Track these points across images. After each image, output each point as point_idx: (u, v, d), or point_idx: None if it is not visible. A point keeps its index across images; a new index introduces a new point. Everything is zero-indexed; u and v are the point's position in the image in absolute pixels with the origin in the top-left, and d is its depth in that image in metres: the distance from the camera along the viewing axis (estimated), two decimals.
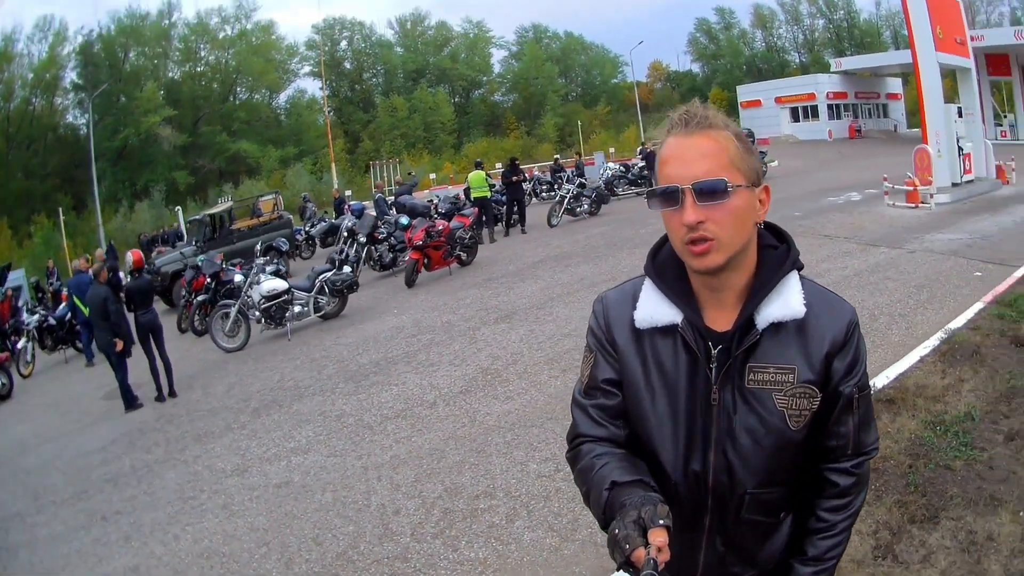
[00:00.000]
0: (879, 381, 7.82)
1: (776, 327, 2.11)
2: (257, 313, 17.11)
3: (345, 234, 22.94)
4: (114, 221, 59.35)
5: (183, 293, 21.84)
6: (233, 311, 17.04)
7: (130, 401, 14.54)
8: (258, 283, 17.20)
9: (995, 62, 47.15)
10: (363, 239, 21.83)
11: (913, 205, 20.63)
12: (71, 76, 73.26)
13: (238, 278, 17.92)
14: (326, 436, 10.35)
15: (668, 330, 2.15)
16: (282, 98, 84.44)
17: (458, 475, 7.99)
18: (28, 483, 12.09)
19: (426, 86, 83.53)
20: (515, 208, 26.22)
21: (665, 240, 2.23)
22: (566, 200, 26.58)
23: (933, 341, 8.60)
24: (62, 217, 49.07)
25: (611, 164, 37.46)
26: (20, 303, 29.16)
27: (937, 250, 14.75)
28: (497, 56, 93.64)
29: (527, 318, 13.79)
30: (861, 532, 5.22)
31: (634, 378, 2.19)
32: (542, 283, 16.59)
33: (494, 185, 26.77)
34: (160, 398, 14.58)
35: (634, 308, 2.20)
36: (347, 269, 18.04)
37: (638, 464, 2.14)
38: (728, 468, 2.17)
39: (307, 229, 32.41)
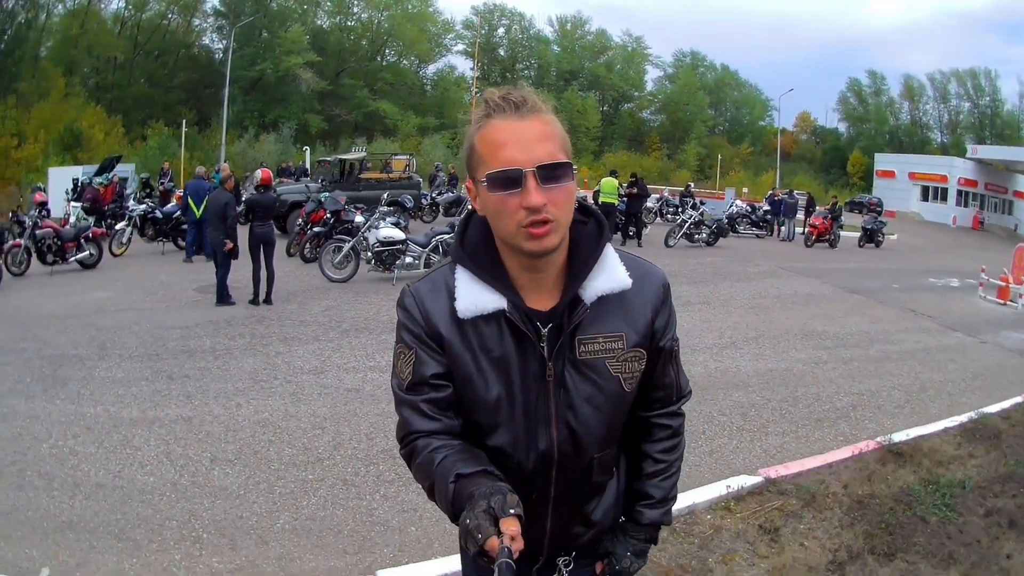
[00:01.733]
0: (897, 436, 8.24)
1: (600, 299, 2.20)
2: (369, 254, 18.08)
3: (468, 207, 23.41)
4: (237, 145, 60.81)
5: (299, 222, 22.79)
6: (346, 247, 18.18)
7: (224, 297, 15.39)
8: (377, 228, 18.30)
9: None
10: None
11: (1002, 301, 20.60)
12: (213, 2, 75.56)
13: (358, 219, 19.37)
14: None
15: (493, 316, 2.19)
16: (431, 70, 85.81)
17: None
18: (97, 336, 12.77)
19: (577, 89, 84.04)
20: (632, 220, 26.71)
21: (466, 227, 2.31)
22: (686, 225, 27.23)
23: (963, 418, 8.95)
24: (184, 128, 50.42)
25: (739, 202, 37.78)
26: (128, 191, 30.59)
27: (1008, 347, 14.79)
28: (652, 74, 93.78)
29: None
30: (824, 546, 5.80)
31: (465, 368, 2.22)
32: None
33: (623, 196, 27.18)
34: (255, 302, 15.40)
35: (451, 298, 2.21)
36: None
37: (478, 454, 2.15)
38: (573, 439, 2.27)
39: (434, 195, 33.26)
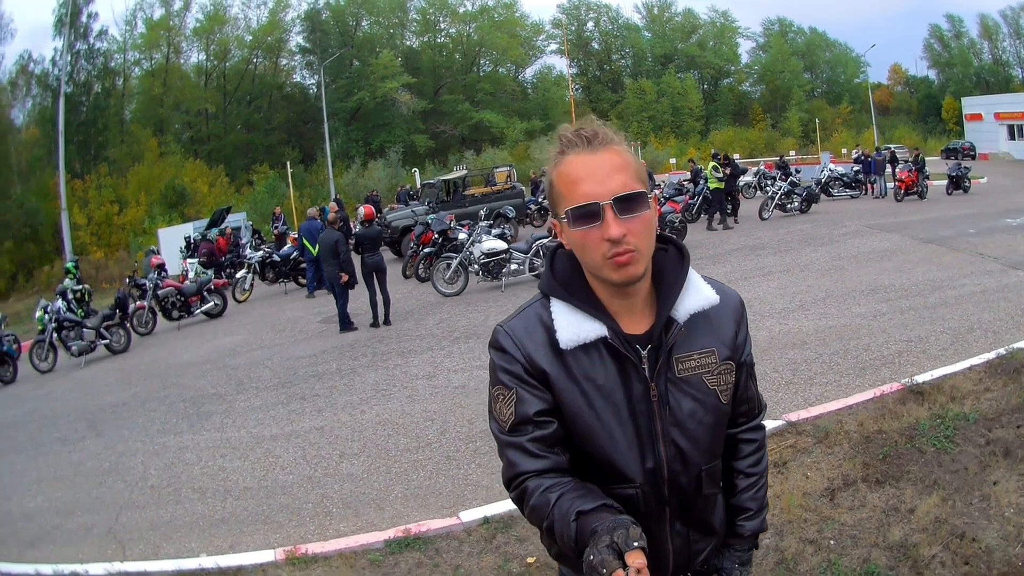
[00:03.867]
0: (921, 377, 8.58)
1: (691, 317, 2.39)
2: (476, 267, 19.79)
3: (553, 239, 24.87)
4: (345, 176, 63.41)
5: (411, 245, 24.69)
6: (454, 262, 19.88)
7: (346, 324, 17.33)
8: (480, 241, 20.04)
9: None
10: None
11: None
12: (296, 39, 78.88)
13: (462, 236, 21.13)
14: None
15: (593, 344, 2.30)
16: (529, 73, 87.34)
17: None
18: (233, 375, 14.71)
19: (675, 71, 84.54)
20: (728, 199, 27.66)
21: (553, 260, 2.46)
22: (777, 196, 28.03)
23: (991, 355, 9.05)
24: (290, 168, 52.95)
25: (831, 166, 38.03)
26: (243, 240, 33.33)
27: None
28: (744, 46, 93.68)
29: None
30: (825, 475, 6.48)
31: (573, 400, 2.30)
32: (727, 268, 18.07)
33: (721, 177, 28.10)
34: (375, 324, 17.28)
35: (548, 332, 2.32)
36: None
37: (593, 489, 2.22)
38: (680, 456, 2.40)
39: (541, 200, 34.63)
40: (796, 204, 28.23)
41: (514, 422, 2.28)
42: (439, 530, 6.56)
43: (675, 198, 25.87)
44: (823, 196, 32.14)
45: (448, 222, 23.44)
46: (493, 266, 19.72)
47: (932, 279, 14.43)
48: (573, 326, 2.28)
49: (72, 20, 60.97)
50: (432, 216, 24.86)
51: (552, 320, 2.31)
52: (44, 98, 56.52)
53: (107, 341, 19.84)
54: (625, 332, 2.31)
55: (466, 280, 19.86)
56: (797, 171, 34.48)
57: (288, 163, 55.13)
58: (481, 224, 21.51)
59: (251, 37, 76.26)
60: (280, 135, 73.75)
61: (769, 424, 7.15)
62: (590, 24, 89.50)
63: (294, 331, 18.38)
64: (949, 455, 6.34)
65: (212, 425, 11.52)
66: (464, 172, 36.31)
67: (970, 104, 75.01)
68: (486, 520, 6.61)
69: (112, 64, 68.45)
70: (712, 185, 26.90)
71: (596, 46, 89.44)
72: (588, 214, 2.16)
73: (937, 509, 5.54)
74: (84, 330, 19.64)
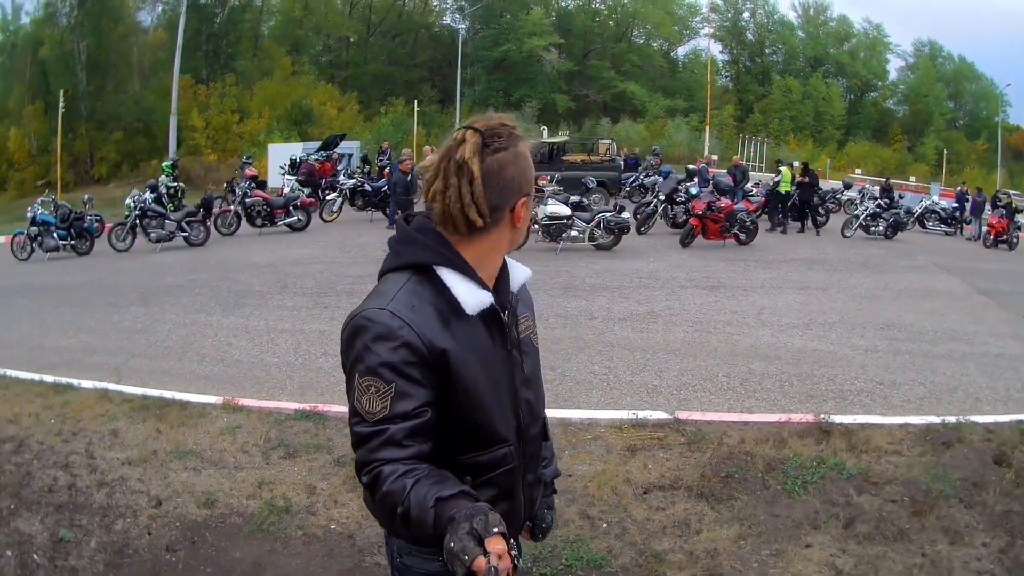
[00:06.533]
0: (840, 418, 7.98)
1: (520, 288, 2.71)
2: (537, 227, 21.06)
3: (659, 191, 26.50)
4: None
5: None
6: None
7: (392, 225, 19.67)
8: (544, 204, 21.37)
9: None
10: (662, 197, 25.27)
11: None
12: None
13: None
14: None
15: (480, 313, 2.43)
16: (681, 52, 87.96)
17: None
18: (282, 279, 16.90)
19: (822, 76, 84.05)
20: (806, 208, 28.37)
21: (419, 233, 2.49)
22: (862, 216, 28.36)
23: (937, 419, 8.12)
24: (416, 107, 54.77)
25: (937, 199, 37.74)
26: (342, 167, 35.74)
27: None
28: (894, 63, 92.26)
29: (731, 293, 15.80)
30: (661, 472, 6.67)
31: (469, 373, 2.37)
32: (770, 274, 18.25)
33: (795, 184, 28.68)
34: None
35: (435, 307, 2.36)
36: (625, 215, 21.38)
37: (448, 476, 2.26)
38: (531, 410, 2.64)
39: (641, 177, 35.88)
40: (881, 228, 28.38)
41: (384, 416, 2.26)
42: (337, 412, 7.98)
43: (750, 197, 26.82)
44: (917, 227, 32.50)
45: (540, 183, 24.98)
46: (554, 229, 21.00)
47: (957, 330, 13.42)
48: (471, 293, 2.38)
49: None
50: None
51: (440, 291, 2.38)
52: (176, 5, 59.25)
53: (186, 234, 22.59)
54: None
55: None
56: (900, 196, 34.71)
57: (416, 101, 57.19)
58: (548, 188, 22.88)
59: None
60: (421, 72, 75.37)
61: (657, 415, 7.93)
62: (746, 14, 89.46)
63: (359, 254, 20.11)
64: (789, 500, 6.12)
65: (241, 313, 13.69)
66: (566, 138, 38.55)
67: None
68: None
69: None
70: (782, 188, 27.92)
71: (750, 37, 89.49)
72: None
73: (722, 543, 5.51)
74: (166, 221, 22.62)
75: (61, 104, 47.78)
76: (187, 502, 6.24)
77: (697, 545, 5.44)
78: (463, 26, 76.69)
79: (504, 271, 2.59)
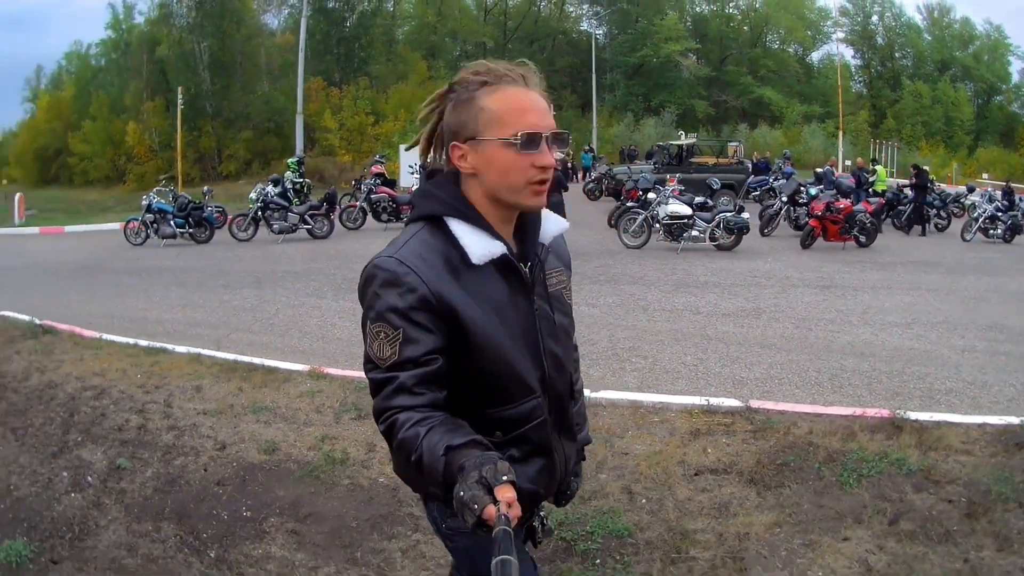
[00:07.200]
0: (917, 414, 7.55)
1: (552, 240, 2.67)
2: (659, 226, 21.40)
3: (781, 192, 26.51)
4: (616, 128, 66.56)
5: (621, 198, 27.44)
6: (640, 218, 21.77)
7: None
8: (666, 203, 21.57)
9: None
10: (784, 199, 25.26)
11: None
12: None
13: (651, 195, 22.75)
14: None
15: (492, 262, 2.43)
16: (815, 56, 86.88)
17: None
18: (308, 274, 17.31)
19: (949, 80, 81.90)
20: (920, 209, 27.95)
21: (437, 186, 2.53)
22: (980, 219, 27.73)
23: (1017, 420, 7.52)
24: (552, 111, 55.39)
25: None
26: None
27: None
28: (1016, 65, 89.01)
29: (840, 293, 15.58)
30: (719, 456, 6.55)
31: (483, 323, 2.39)
32: (883, 275, 17.94)
33: (907, 186, 28.38)
34: None
35: (445, 257, 2.39)
36: (745, 215, 21.32)
37: (462, 424, 2.28)
38: (557, 365, 2.60)
39: (772, 181, 35.90)
40: (999, 231, 27.78)
41: (395, 362, 2.31)
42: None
43: (870, 199, 26.57)
44: None
45: (660, 185, 24.56)
46: (675, 228, 21.13)
47: None
48: (480, 243, 2.39)
49: None
50: (645, 175, 27.07)
51: (451, 242, 2.40)
52: (301, 9, 60.73)
53: (310, 227, 23.38)
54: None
55: (648, 236, 21.50)
56: (1021, 199, 33.72)
57: (552, 105, 57.72)
58: (666, 190, 22.71)
59: None
60: (561, 78, 75.68)
61: (730, 403, 7.72)
62: (875, 18, 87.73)
63: None
64: (840, 492, 5.90)
65: (351, 298, 13.84)
66: (693, 140, 39.03)
67: None
68: None
69: None
70: (878, 186, 27.69)
71: (880, 41, 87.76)
72: (532, 141, 2.35)
73: (755, 528, 5.38)
74: (289, 214, 23.47)
75: (180, 101, 49.56)
76: (249, 448, 6.57)
77: (729, 528, 5.35)
78: (600, 31, 77.29)
79: (533, 222, 2.59)
